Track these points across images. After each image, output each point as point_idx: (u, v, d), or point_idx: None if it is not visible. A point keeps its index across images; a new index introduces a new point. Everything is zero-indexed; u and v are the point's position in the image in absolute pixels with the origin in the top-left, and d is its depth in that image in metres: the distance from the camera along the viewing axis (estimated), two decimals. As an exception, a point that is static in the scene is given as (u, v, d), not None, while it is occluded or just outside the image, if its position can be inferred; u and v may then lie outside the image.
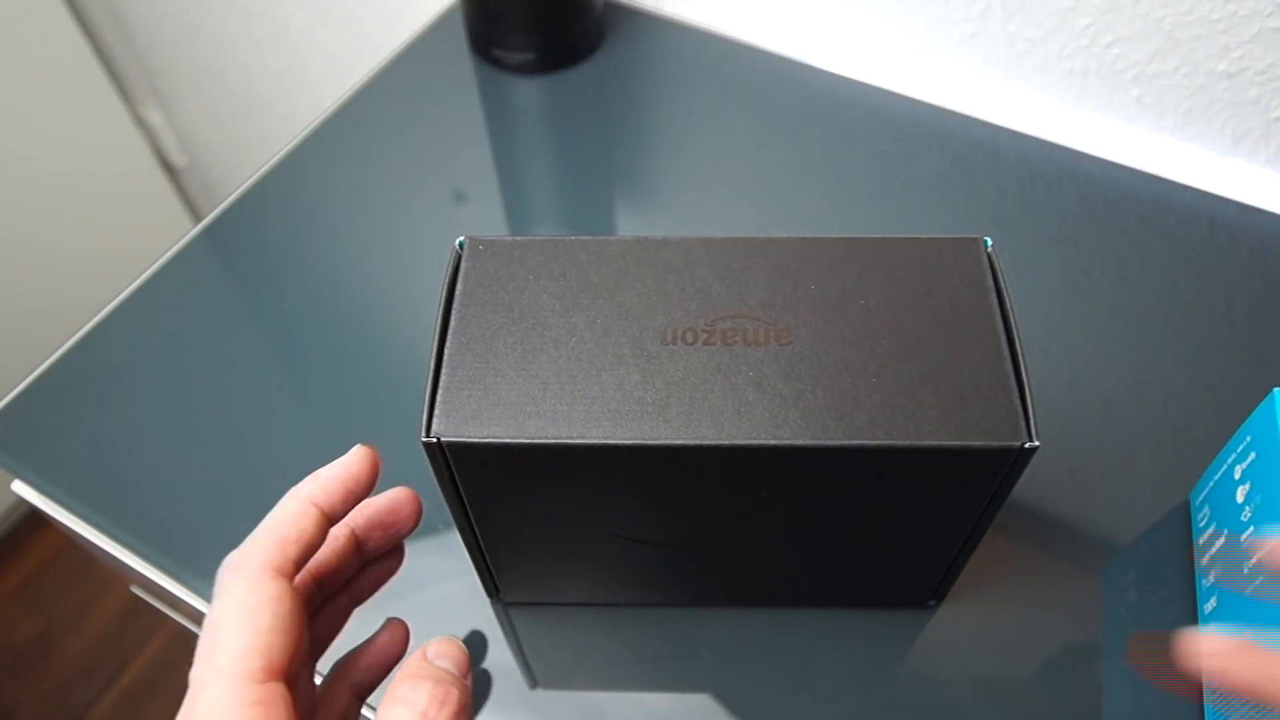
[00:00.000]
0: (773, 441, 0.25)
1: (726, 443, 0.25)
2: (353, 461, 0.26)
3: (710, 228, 0.48)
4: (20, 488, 0.40)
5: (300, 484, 0.25)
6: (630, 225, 0.49)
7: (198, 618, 0.38)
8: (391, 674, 0.28)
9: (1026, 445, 0.25)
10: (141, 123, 1.14)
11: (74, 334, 0.44)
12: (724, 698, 0.33)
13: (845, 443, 0.25)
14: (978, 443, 0.25)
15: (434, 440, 0.25)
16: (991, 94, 0.54)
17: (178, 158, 1.20)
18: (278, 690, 0.22)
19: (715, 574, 0.32)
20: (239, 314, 0.46)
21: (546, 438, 0.25)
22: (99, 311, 0.45)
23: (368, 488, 0.26)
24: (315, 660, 0.28)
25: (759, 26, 0.58)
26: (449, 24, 0.59)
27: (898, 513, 0.28)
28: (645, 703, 0.33)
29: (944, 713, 0.33)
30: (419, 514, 0.28)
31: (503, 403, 0.26)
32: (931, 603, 0.35)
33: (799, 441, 0.25)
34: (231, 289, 0.47)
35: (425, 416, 0.25)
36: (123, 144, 1.08)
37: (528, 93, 0.55)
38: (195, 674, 0.22)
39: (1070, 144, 0.51)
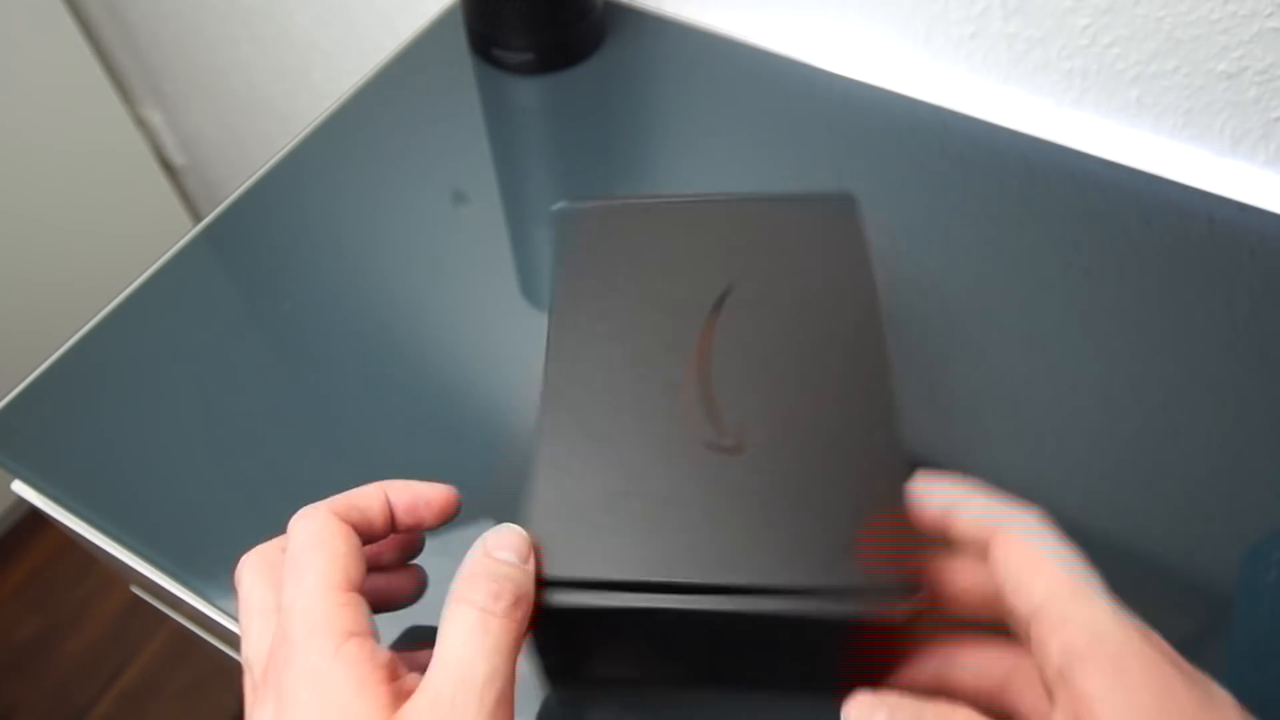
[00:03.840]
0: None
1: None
2: (439, 488, 0.29)
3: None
4: (20, 488, 0.40)
5: (387, 480, 0.28)
6: (630, 225, 0.49)
7: (198, 618, 0.38)
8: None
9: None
10: (141, 123, 1.14)
11: (74, 334, 0.44)
12: None
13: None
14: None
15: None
16: (991, 94, 0.54)
17: (178, 158, 1.20)
18: (359, 597, 0.24)
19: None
20: (239, 314, 0.46)
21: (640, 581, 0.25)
22: (99, 311, 0.45)
23: (436, 515, 0.29)
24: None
25: (759, 26, 0.58)
26: (449, 24, 0.59)
27: None
28: None
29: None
30: (451, 512, 0.29)
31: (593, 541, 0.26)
32: None
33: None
34: (231, 289, 0.47)
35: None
36: (123, 144, 1.08)
37: (528, 93, 0.55)
38: (284, 599, 0.24)
39: (1070, 144, 0.51)
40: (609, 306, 0.31)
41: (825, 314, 0.30)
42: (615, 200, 0.34)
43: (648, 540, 0.26)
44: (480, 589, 0.24)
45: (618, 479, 0.27)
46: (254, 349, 0.44)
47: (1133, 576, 0.36)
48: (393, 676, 0.23)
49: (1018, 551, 0.25)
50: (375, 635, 0.24)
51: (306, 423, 0.42)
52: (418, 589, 0.31)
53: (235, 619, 0.36)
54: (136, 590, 0.51)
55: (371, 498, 0.27)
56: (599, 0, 0.56)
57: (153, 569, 0.37)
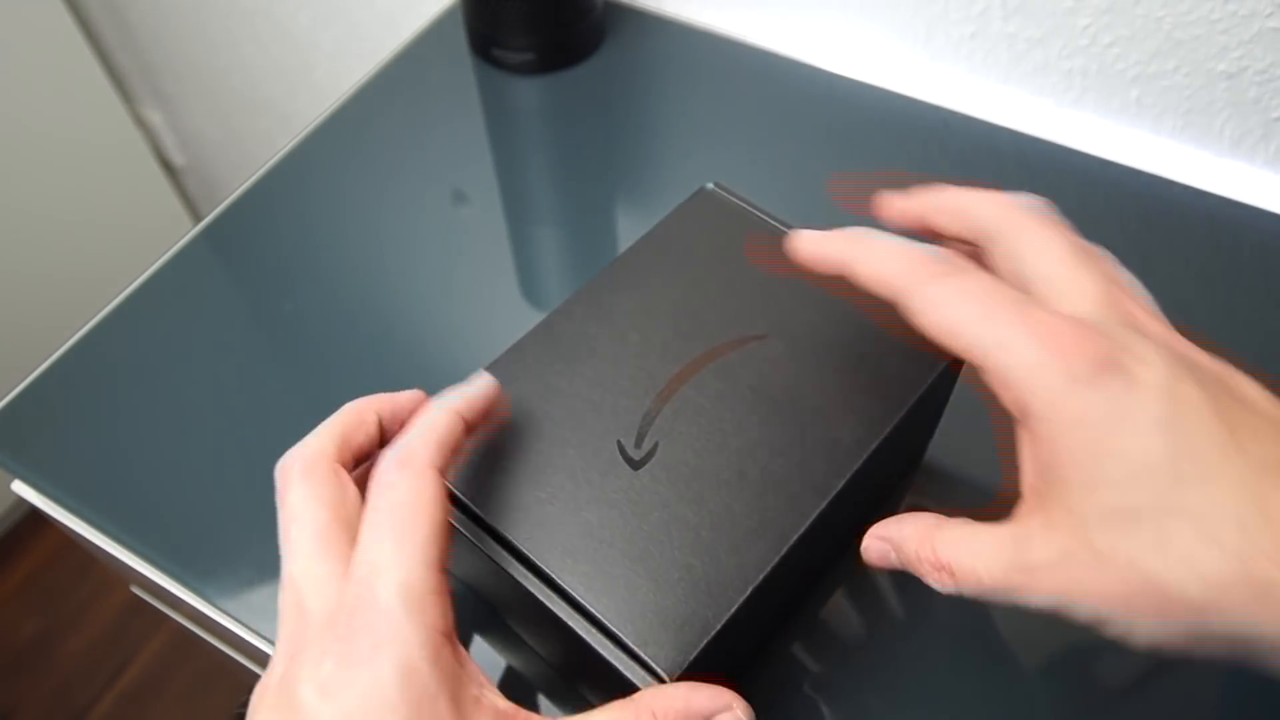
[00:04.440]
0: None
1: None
2: (487, 382, 0.28)
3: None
4: (20, 488, 0.40)
5: (441, 395, 0.27)
6: (630, 225, 0.49)
7: (198, 618, 0.38)
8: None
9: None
10: (141, 123, 1.14)
11: (74, 334, 0.44)
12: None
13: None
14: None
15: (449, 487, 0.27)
16: (991, 94, 0.54)
17: (178, 158, 1.20)
18: (449, 586, 0.23)
19: None
20: (239, 314, 0.46)
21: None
22: (99, 311, 0.45)
23: (498, 409, 0.28)
24: None
25: (759, 26, 0.58)
26: (449, 24, 0.59)
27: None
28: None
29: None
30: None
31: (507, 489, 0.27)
32: None
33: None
34: (231, 289, 0.47)
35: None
36: (123, 144, 1.08)
37: (528, 93, 0.55)
38: (374, 556, 0.23)
39: (1070, 144, 0.51)
40: (640, 302, 0.31)
41: (827, 402, 0.29)
42: (753, 210, 0.34)
43: (540, 512, 0.27)
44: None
45: (546, 455, 0.28)
46: (254, 349, 0.44)
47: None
48: (476, 694, 0.22)
49: (934, 316, 0.24)
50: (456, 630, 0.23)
51: (306, 422, 0.41)
52: None
53: (235, 618, 0.36)
54: (136, 590, 0.51)
55: (455, 428, 0.26)
56: (599, 0, 0.56)
57: (153, 569, 0.37)
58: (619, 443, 0.28)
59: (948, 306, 0.23)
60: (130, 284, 0.46)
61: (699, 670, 0.25)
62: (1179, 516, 0.20)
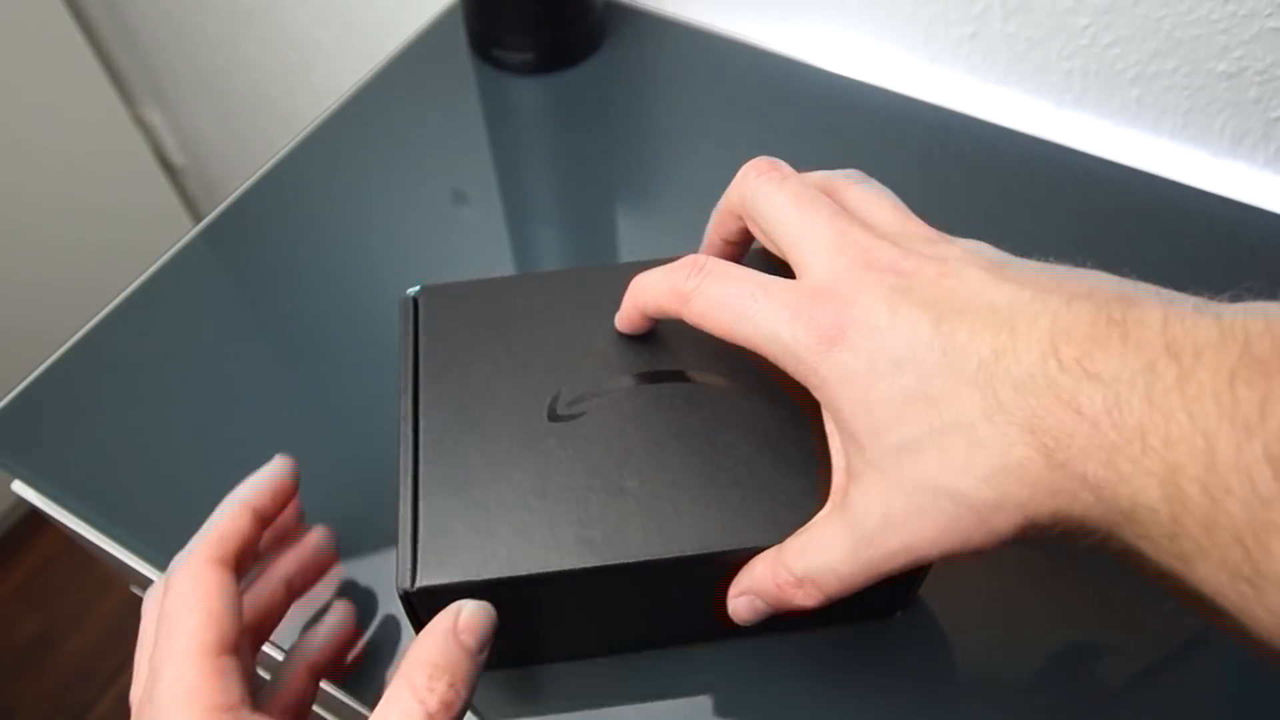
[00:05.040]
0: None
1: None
2: (277, 467, 0.30)
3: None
4: (20, 488, 0.40)
5: (234, 490, 0.29)
6: (630, 225, 0.49)
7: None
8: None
9: None
10: (141, 123, 1.14)
11: (74, 334, 0.44)
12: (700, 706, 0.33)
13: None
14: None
15: (414, 590, 0.26)
16: (991, 94, 0.54)
17: (178, 158, 1.20)
18: (233, 662, 0.24)
19: (681, 620, 0.33)
20: (239, 314, 0.46)
21: (515, 571, 0.26)
22: (99, 311, 0.45)
23: (292, 490, 0.30)
24: (258, 648, 0.30)
25: (759, 26, 0.58)
26: (449, 24, 0.59)
27: None
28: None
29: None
30: (293, 482, 0.31)
31: (476, 538, 0.27)
32: (898, 614, 0.35)
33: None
34: (231, 289, 0.47)
35: (409, 566, 0.26)
36: (123, 144, 1.08)
37: (528, 93, 0.55)
38: (154, 659, 0.24)
39: (1070, 144, 0.51)
40: (480, 371, 0.30)
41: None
42: (475, 281, 0.33)
43: (529, 534, 0.27)
44: (436, 682, 0.23)
45: (487, 476, 0.28)
46: (254, 349, 0.44)
47: (1133, 576, 0.36)
48: None
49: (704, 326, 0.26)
50: (247, 703, 0.23)
51: (306, 422, 0.42)
52: (325, 556, 0.33)
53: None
54: (136, 590, 0.51)
55: (238, 519, 0.27)
56: (599, 0, 0.56)
57: (153, 569, 0.37)
58: (556, 395, 0.29)
59: (709, 317, 0.25)
60: (130, 284, 0.46)
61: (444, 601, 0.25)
62: (948, 432, 0.21)
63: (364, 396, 0.42)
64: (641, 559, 0.26)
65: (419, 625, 0.27)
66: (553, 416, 0.28)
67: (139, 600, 0.52)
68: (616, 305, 0.30)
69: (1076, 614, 0.35)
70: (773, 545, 0.26)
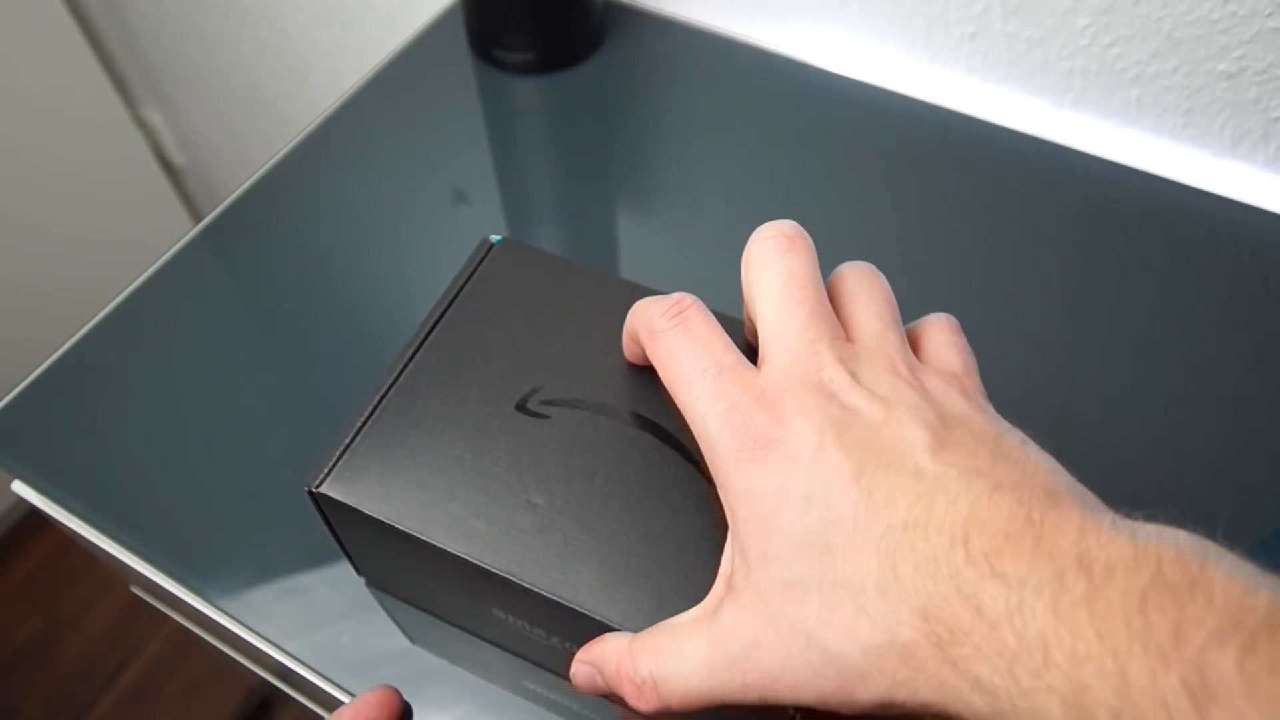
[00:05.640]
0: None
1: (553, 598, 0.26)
2: (378, 700, 0.27)
3: (710, 228, 0.48)
4: (20, 488, 0.40)
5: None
6: (630, 225, 0.49)
7: (198, 618, 0.38)
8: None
9: None
10: (141, 123, 1.14)
11: (74, 334, 0.44)
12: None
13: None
14: None
15: (313, 491, 0.27)
16: (991, 94, 0.54)
17: (178, 158, 1.20)
18: None
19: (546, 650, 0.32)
20: (239, 314, 0.46)
21: (398, 523, 0.27)
22: (99, 311, 0.45)
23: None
24: None
25: (759, 26, 0.58)
26: (449, 24, 0.59)
27: None
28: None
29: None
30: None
31: (388, 478, 0.28)
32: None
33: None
34: (231, 289, 0.47)
35: (325, 470, 0.28)
36: (123, 144, 1.08)
37: (528, 93, 0.55)
38: None
39: (1070, 144, 0.51)
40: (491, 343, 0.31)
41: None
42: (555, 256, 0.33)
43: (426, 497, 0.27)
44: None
45: (432, 432, 0.28)
46: (254, 349, 0.44)
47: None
48: None
49: (660, 373, 0.25)
50: None
51: (307, 423, 0.42)
52: None
53: (235, 618, 0.37)
54: (136, 590, 0.51)
55: None
56: (599, 0, 0.56)
57: (153, 569, 0.37)
58: (537, 389, 0.29)
59: (663, 366, 0.24)
60: (130, 284, 0.46)
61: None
62: (838, 587, 0.20)
63: (364, 395, 0.42)
64: (501, 572, 0.26)
65: (323, 520, 0.29)
66: (519, 407, 0.29)
67: (139, 600, 0.52)
68: None
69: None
70: (621, 627, 0.25)
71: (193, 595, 0.37)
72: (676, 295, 0.25)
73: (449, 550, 0.26)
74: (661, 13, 0.59)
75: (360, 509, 0.27)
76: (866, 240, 0.47)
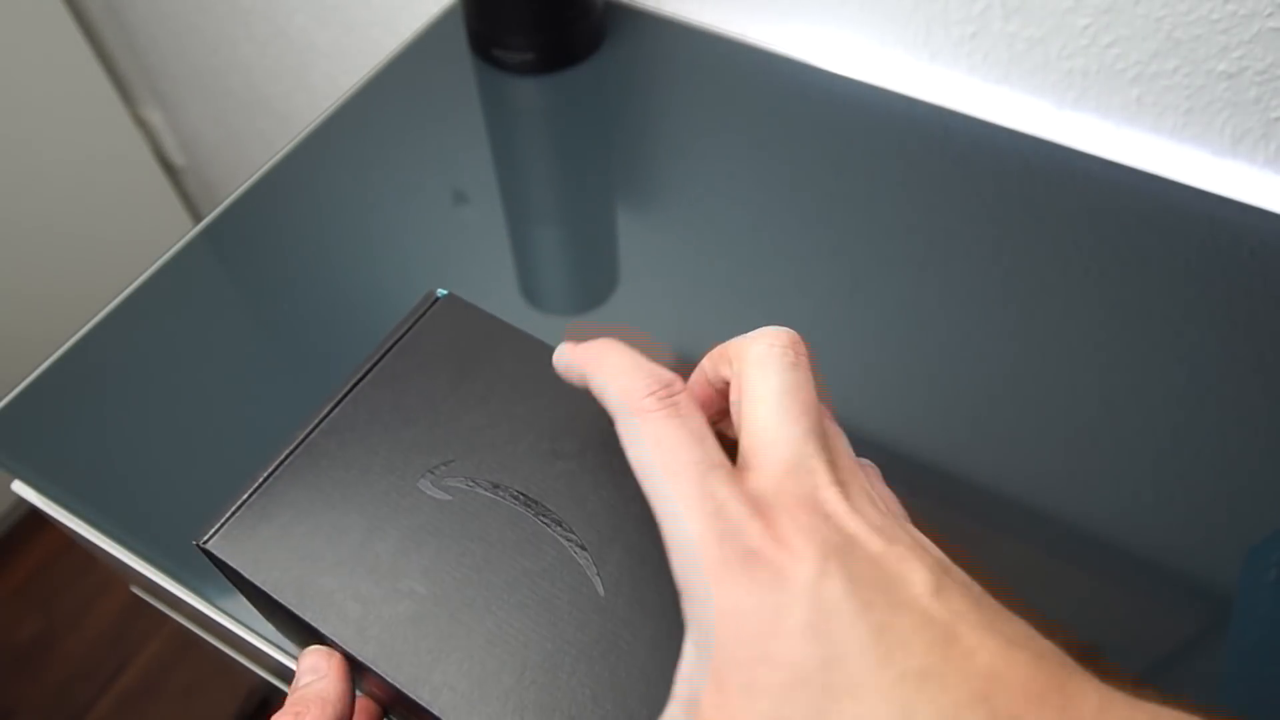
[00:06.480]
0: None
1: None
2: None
3: (709, 227, 0.48)
4: (20, 488, 0.40)
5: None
6: (630, 225, 0.49)
7: (198, 618, 0.38)
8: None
9: None
10: (141, 123, 1.14)
11: (74, 334, 0.44)
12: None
13: None
14: None
15: (200, 546, 0.27)
16: (991, 94, 0.54)
17: (178, 158, 1.20)
18: None
19: None
20: (239, 314, 0.46)
21: (275, 593, 0.26)
22: (99, 311, 0.45)
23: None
24: None
25: (759, 26, 0.58)
26: (449, 24, 0.59)
27: None
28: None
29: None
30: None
31: (277, 543, 0.27)
32: None
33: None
34: (231, 289, 0.47)
35: (216, 525, 0.28)
36: (123, 144, 1.08)
37: (528, 93, 0.55)
38: None
39: (1070, 144, 0.51)
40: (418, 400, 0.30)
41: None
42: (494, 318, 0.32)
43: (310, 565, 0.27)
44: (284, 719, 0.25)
45: (331, 501, 0.28)
46: (254, 349, 0.44)
47: (1133, 576, 0.36)
48: None
49: (631, 453, 0.23)
50: None
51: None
52: None
53: (235, 618, 0.37)
54: (136, 590, 0.51)
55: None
56: (599, 0, 0.56)
57: (153, 569, 0.37)
58: (446, 463, 0.28)
59: (640, 446, 0.22)
60: (130, 284, 0.46)
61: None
62: None
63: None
64: (365, 661, 0.25)
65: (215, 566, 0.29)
66: (423, 482, 0.28)
67: (139, 600, 0.52)
68: (579, 417, 0.28)
69: (1076, 614, 0.35)
70: None
71: (193, 595, 0.37)
72: (668, 375, 0.23)
73: (317, 629, 0.26)
74: (661, 13, 0.59)
75: (241, 571, 0.27)
76: (866, 240, 0.47)
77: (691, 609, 0.21)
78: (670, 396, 0.23)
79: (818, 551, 0.20)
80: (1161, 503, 0.38)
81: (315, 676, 0.26)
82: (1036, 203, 0.48)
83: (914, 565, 0.20)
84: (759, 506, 0.21)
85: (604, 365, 0.24)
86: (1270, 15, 0.44)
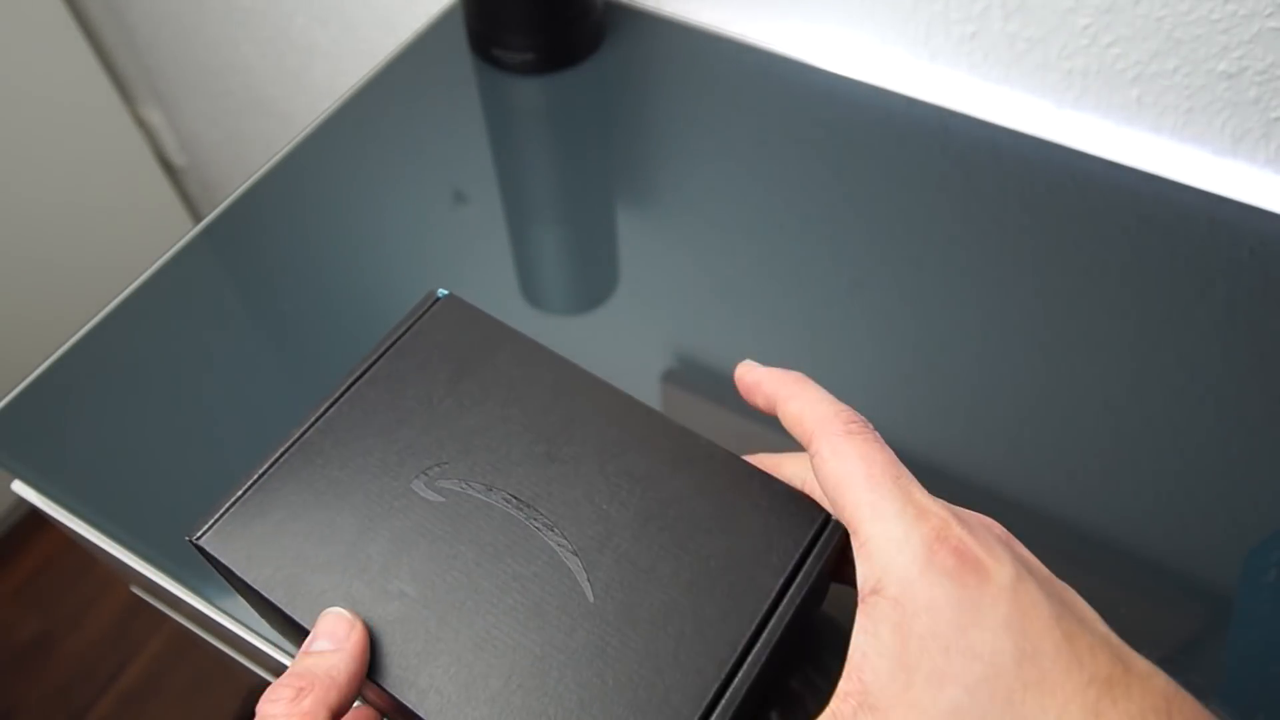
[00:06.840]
0: None
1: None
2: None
3: (709, 227, 0.48)
4: (20, 488, 0.40)
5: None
6: (630, 225, 0.49)
7: (198, 618, 0.38)
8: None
9: None
10: (141, 123, 1.14)
11: (74, 334, 0.44)
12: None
13: None
14: None
15: (193, 542, 0.27)
16: (992, 94, 0.54)
17: (178, 158, 1.20)
18: None
19: None
20: (239, 314, 0.46)
21: (265, 591, 0.26)
22: (99, 311, 0.45)
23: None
24: None
25: (759, 26, 0.58)
26: (449, 24, 0.59)
27: None
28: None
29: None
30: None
31: (269, 540, 0.27)
32: None
33: None
34: (231, 289, 0.47)
35: (209, 521, 0.28)
36: (123, 144, 1.08)
37: (528, 93, 0.55)
38: None
39: (1071, 144, 0.51)
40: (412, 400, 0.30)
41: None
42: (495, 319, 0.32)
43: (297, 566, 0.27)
44: (283, 692, 0.23)
45: (325, 500, 0.28)
46: (254, 349, 0.44)
47: (1133, 577, 0.36)
48: None
49: (831, 465, 0.25)
50: None
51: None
52: None
53: (235, 618, 0.36)
54: (136, 590, 0.51)
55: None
56: (599, 0, 0.56)
57: (152, 569, 0.37)
58: (440, 464, 0.28)
59: (844, 458, 0.24)
60: (130, 284, 0.46)
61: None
62: None
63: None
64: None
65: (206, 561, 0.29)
66: (416, 483, 0.28)
67: (139, 600, 0.52)
68: (575, 422, 0.28)
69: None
70: None
71: (192, 595, 0.37)
72: (853, 413, 0.26)
73: (306, 628, 0.25)
74: (661, 13, 0.59)
75: (232, 568, 0.27)
76: (866, 240, 0.47)
77: (884, 607, 0.22)
78: (865, 429, 0.25)
79: (1013, 559, 0.22)
80: (1161, 503, 0.38)
81: (331, 645, 0.24)
82: (1036, 203, 0.48)
83: (1075, 595, 0.23)
84: (958, 520, 0.23)
85: (805, 391, 0.27)
86: (1270, 15, 0.44)
